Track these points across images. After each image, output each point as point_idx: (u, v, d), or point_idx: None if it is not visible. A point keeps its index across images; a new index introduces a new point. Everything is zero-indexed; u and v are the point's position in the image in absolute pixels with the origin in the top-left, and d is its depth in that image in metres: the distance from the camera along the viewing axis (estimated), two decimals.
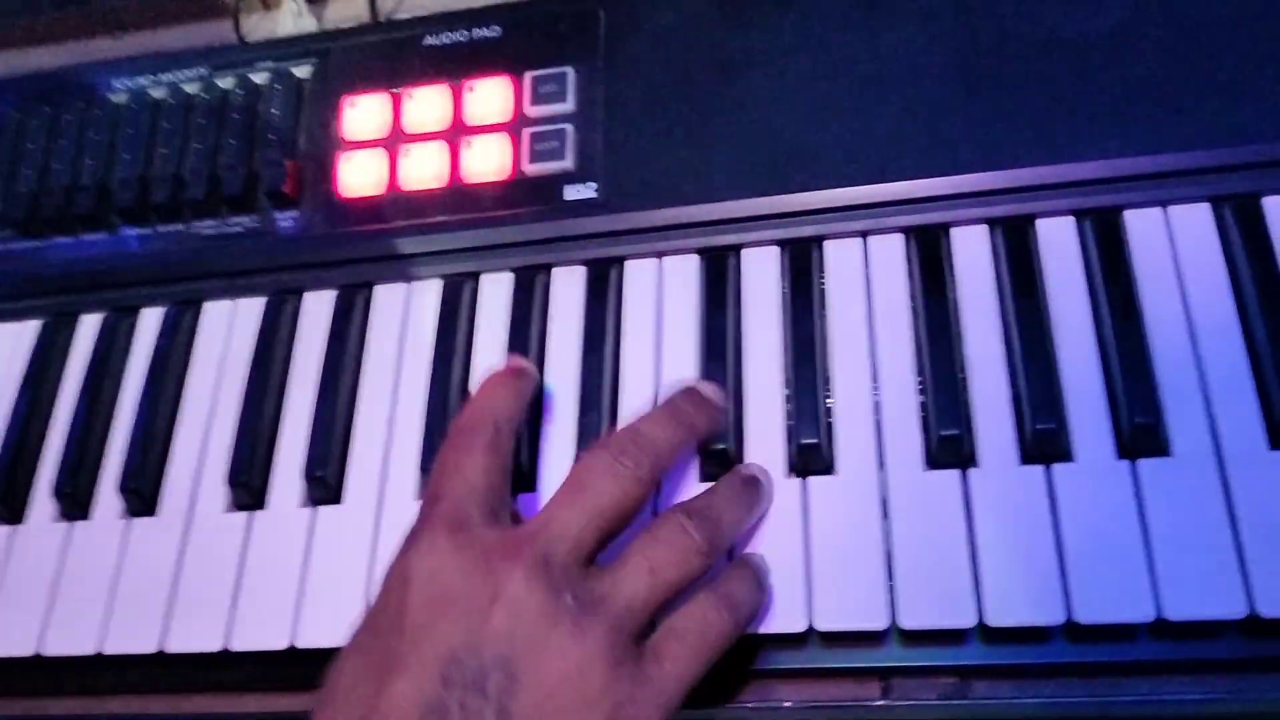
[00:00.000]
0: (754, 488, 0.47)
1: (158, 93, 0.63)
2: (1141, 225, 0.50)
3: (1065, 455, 0.46)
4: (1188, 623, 0.43)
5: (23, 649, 0.52)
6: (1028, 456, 0.47)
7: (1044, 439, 0.46)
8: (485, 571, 0.38)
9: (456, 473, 0.43)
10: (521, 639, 0.37)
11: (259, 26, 0.73)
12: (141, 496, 0.54)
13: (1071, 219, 0.51)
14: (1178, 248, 0.50)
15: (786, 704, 0.48)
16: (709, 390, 0.48)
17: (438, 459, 0.44)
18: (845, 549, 0.46)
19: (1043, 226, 0.51)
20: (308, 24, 0.72)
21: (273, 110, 0.60)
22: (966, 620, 0.44)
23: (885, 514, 0.46)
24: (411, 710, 0.36)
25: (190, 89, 0.62)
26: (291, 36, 0.68)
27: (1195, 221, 0.50)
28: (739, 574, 0.44)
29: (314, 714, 0.39)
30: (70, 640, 0.52)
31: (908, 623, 0.44)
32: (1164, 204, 0.51)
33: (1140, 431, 0.45)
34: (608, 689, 0.37)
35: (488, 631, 0.37)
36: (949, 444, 0.47)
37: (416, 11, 0.69)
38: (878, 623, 0.45)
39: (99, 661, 0.51)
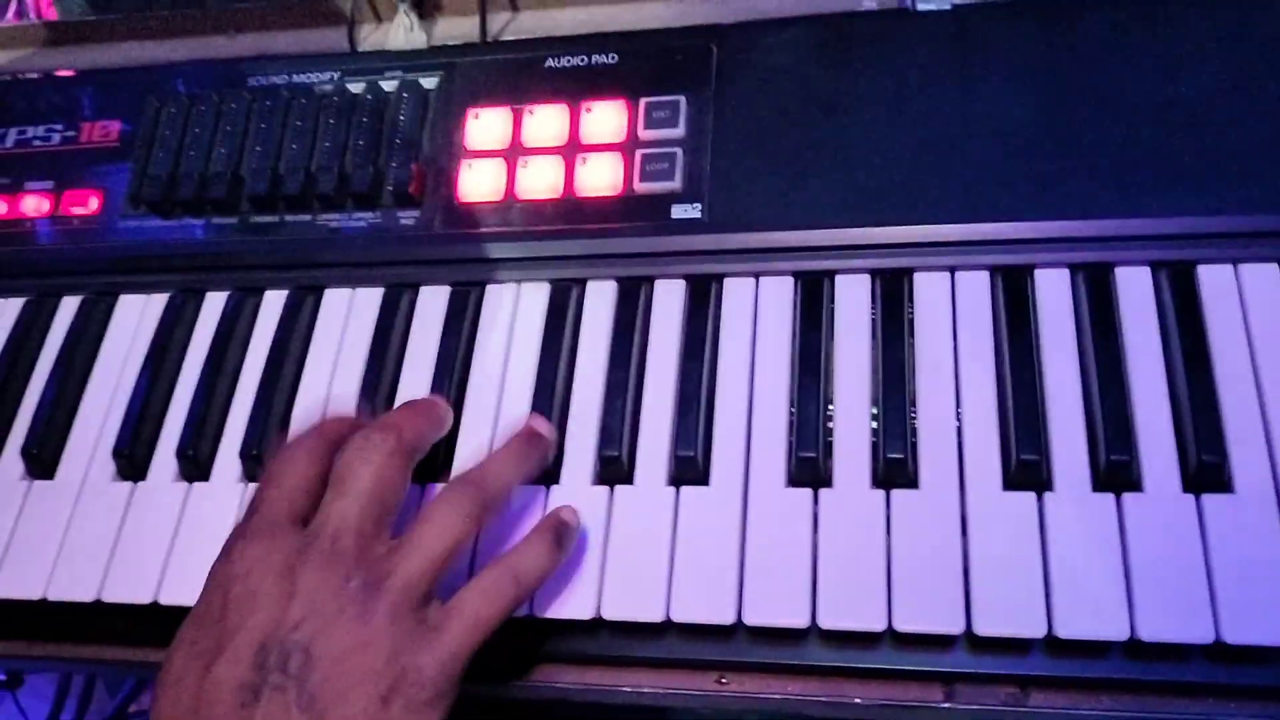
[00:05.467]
0: (533, 443, 0.53)
1: (292, 91, 0.67)
2: (1214, 279, 0.54)
3: (1135, 486, 0.50)
4: (1243, 647, 0.46)
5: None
6: (1099, 485, 0.50)
7: (1116, 470, 0.50)
8: (284, 570, 0.45)
9: (275, 481, 0.49)
10: (315, 624, 0.44)
11: (370, 37, 0.77)
12: (261, 465, 0.58)
13: (1148, 269, 0.55)
14: (1247, 302, 0.53)
15: (856, 700, 0.51)
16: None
17: (266, 467, 0.51)
18: (925, 558, 0.50)
19: (1121, 274, 0.55)
20: (418, 39, 0.76)
21: (400, 116, 0.64)
22: (1037, 630, 0.47)
23: (964, 529, 0.50)
24: (230, 690, 0.43)
25: (323, 90, 0.67)
26: (408, 50, 0.72)
27: (1264, 280, 0.54)
28: (532, 541, 0.50)
29: (154, 698, 0.45)
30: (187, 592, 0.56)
31: (982, 629, 0.48)
32: (1235, 261, 0.54)
33: (1206, 469, 0.49)
34: (391, 660, 0.44)
35: (287, 621, 0.44)
36: (1027, 468, 0.50)
37: (523, 33, 0.74)
38: (953, 627, 0.48)
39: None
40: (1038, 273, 0.56)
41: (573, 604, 0.51)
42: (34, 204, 0.68)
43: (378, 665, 0.44)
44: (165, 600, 0.56)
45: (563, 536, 0.50)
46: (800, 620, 0.49)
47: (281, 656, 0.43)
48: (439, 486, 0.53)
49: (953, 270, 0.57)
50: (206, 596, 0.46)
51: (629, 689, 0.53)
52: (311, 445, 0.50)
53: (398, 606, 0.45)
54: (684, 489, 0.53)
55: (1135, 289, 0.55)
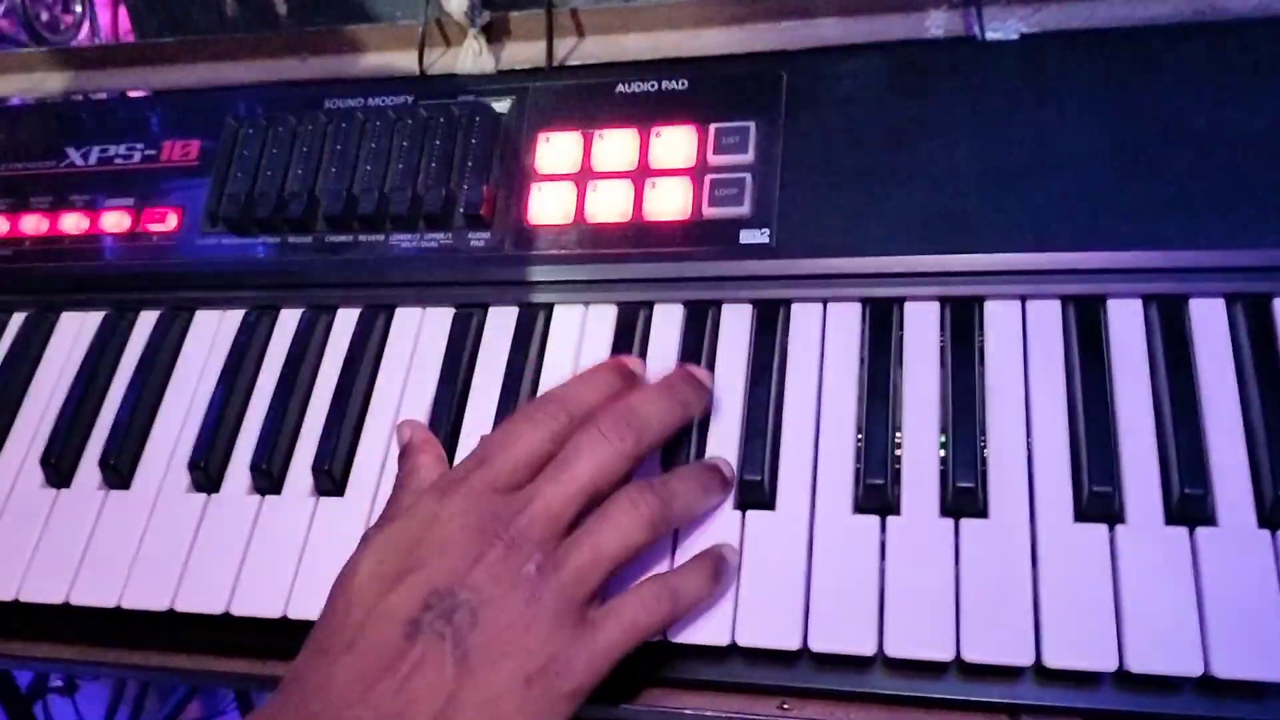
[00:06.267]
0: (715, 477, 0.54)
1: (366, 114, 0.68)
2: None
3: (1208, 520, 0.49)
4: None
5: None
6: (1172, 518, 0.50)
7: (1190, 503, 0.49)
8: (482, 535, 0.48)
9: (506, 446, 0.51)
10: (488, 593, 0.46)
11: (439, 61, 0.79)
12: (333, 479, 0.59)
13: (1223, 301, 0.55)
14: None
15: None
16: (703, 374, 0.56)
17: (501, 429, 0.52)
18: (994, 588, 0.49)
19: (1196, 306, 0.55)
20: (486, 63, 0.78)
21: (473, 139, 0.65)
22: (1108, 664, 0.47)
23: (1034, 559, 0.50)
24: (398, 621, 0.46)
25: (396, 113, 0.68)
26: (479, 74, 0.73)
27: None
28: (693, 567, 0.51)
29: (330, 595, 0.48)
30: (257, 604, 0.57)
31: (1052, 661, 0.47)
32: None
33: None
34: (545, 644, 0.46)
35: (467, 580, 0.46)
36: (1100, 499, 0.50)
37: (588, 59, 0.75)
38: (1023, 658, 0.48)
39: (284, 623, 0.56)
40: (1110, 303, 0.56)
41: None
42: (114, 220, 0.70)
43: (532, 646, 0.46)
44: (236, 611, 0.57)
45: (721, 573, 0.51)
46: (867, 648, 0.49)
47: (450, 607, 0.46)
48: None
49: (1024, 299, 0.57)
50: (408, 524, 0.49)
51: (691, 711, 0.53)
52: (555, 424, 0.51)
53: (564, 598, 0.47)
54: (750, 514, 0.54)
55: (1210, 321, 0.54)
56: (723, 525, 0.53)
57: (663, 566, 0.53)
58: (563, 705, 0.46)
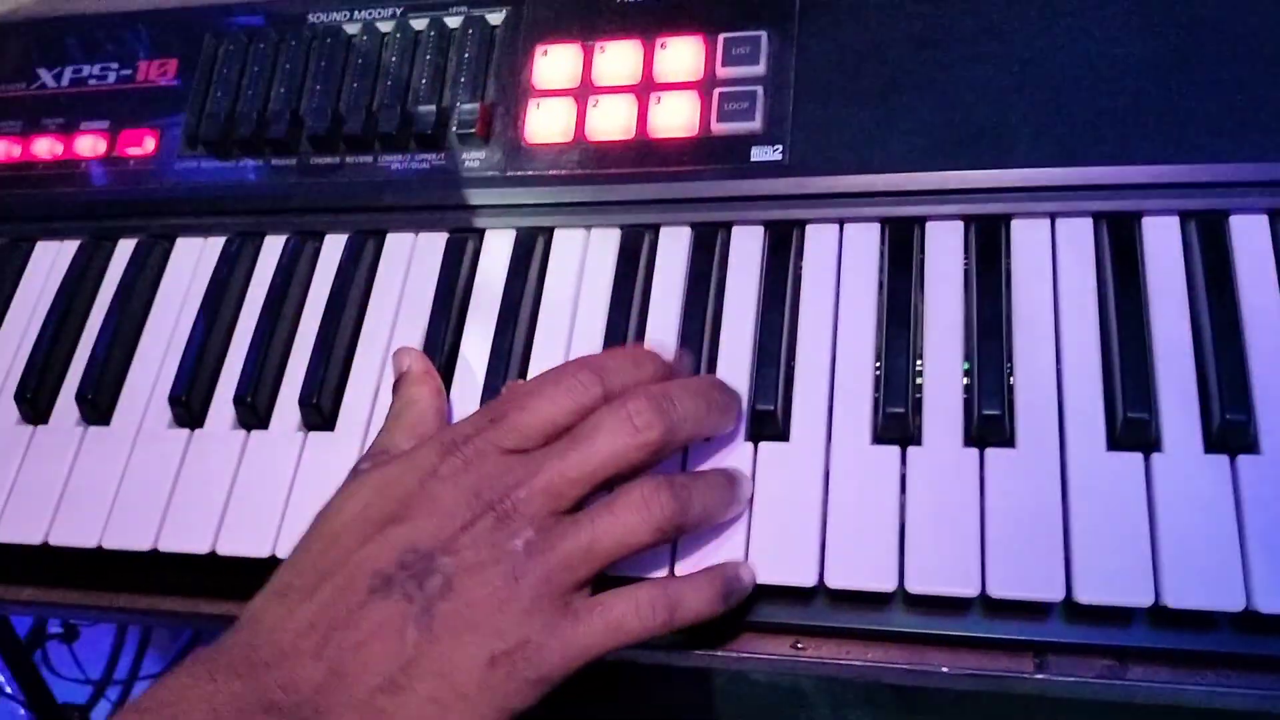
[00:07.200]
0: (736, 487, 0.49)
1: (352, 29, 0.64)
2: None
3: (1251, 447, 0.47)
4: None
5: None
6: (1212, 445, 0.47)
7: (1232, 429, 0.46)
8: (476, 500, 0.44)
9: (528, 408, 0.47)
10: (468, 560, 0.43)
11: None
12: (321, 413, 0.56)
13: (1266, 217, 0.51)
14: None
15: (942, 669, 0.49)
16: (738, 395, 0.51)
17: (526, 385, 0.48)
18: (1021, 520, 0.47)
19: (1236, 222, 0.51)
20: None
21: (465, 54, 0.62)
22: (1143, 599, 0.44)
23: (1064, 491, 0.47)
24: (368, 572, 0.43)
25: (384, 28, 0.64)
26: None
27: None
28: (702, 581, 0.46)
29: (312, 524, 0.47)
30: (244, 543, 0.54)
31: (1084, 597, 0.45)
32: None
33: None
34: (518, 626, 0.43)
35: (450, 546, 0.44)
36: (1135, 426, 0.47)
37: None
38: (1052, 594, 0.45)
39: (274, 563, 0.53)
40: (1145, 220, 0.52)
41: (646, 561, 0.49)
42: (89, 144, 0.66)
43: (503, 626, 0.43)
44: (223, 550, 0.54)
45: (733, 594, 0.47)
46: (886, 584, 0.47)
47: (424, 570, 0.43)
48: None
49: (1053, 217, 0.53)
50: (403, 472, 0.46)
51: (700, 652, 0.51)
52: (585, 397, 0.47)
53: (548, 582, 0.44)
54: (762, 445, 0.51)
55: (1252, 238, 0.51)
56: (734, 456, 0.51)
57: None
58: (526, 690, 0.43)
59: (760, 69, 0.58)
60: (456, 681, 0.42)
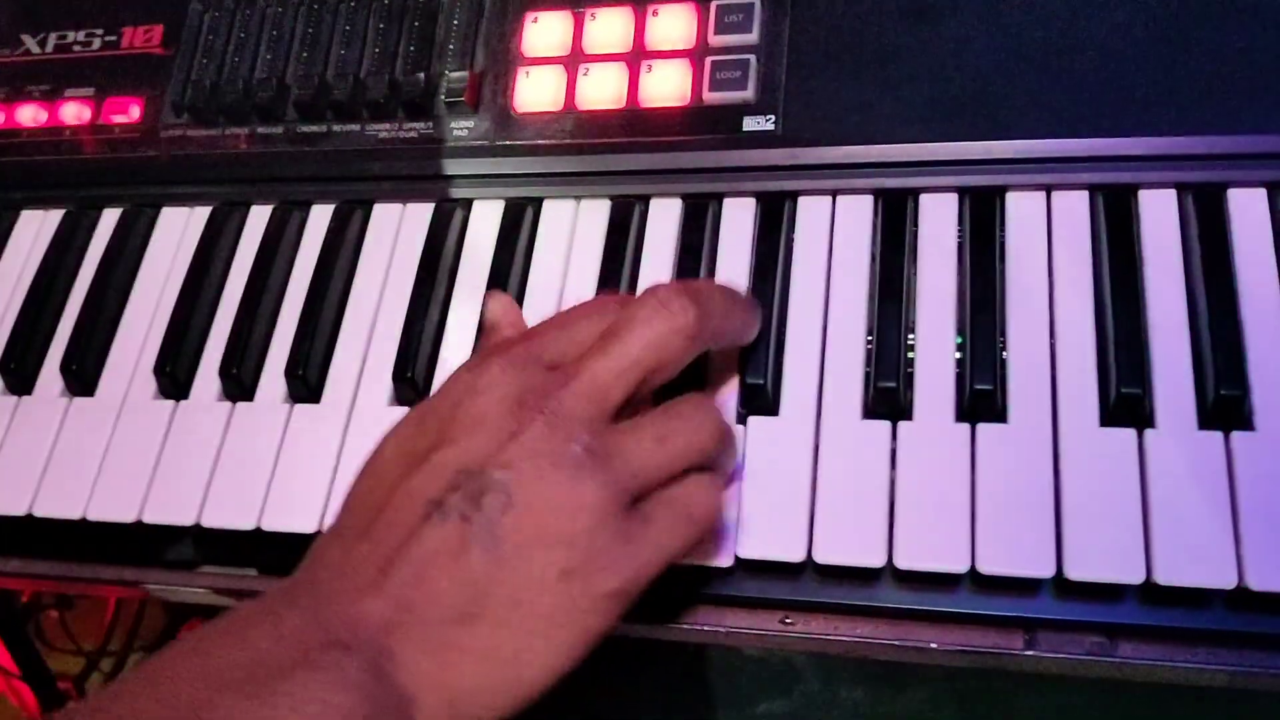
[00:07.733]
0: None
1: None
2: None
3: (1245, 424, 0.46)
4: None
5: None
6: (1206, 421, 0.46)
7: (1227, 405, 0.46)
8: (521, 408, 0.42)
9: (568, 326, 0.46)
10: (526, 471, 0.40)
11: None
12: (307, 385, 0.55)
13: (1264, 191, 0.51)
14: None
15: (931, 645, 0.48)
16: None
17: (569, 311, 0.47)
18: (1012, 496, 0.46)
19: (1235, 196, 0.51)
20: None
21: (454, 21, 0.61)
22: (1135, 576, 0.44)
23: (1056, 466, 0.46)
24: (420, 501, 0.41)
25: None
26: None
27: None
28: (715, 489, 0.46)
29: (356, 478, 0.44)
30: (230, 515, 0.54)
31: (1075, 574, 0.44)
32: None
33: None
34: (589, 535, 0.40)
35: (500, 457, 0.41)
36: (1128, 401, 0.46)
37: None
38: (1042, 570, 0.45)
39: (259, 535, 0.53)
40: (1142, 193, 0.52)
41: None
42: (74, 112, 0.65)
43: (574, 534, 0.40)
44: (208, 523, 0.53)
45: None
46: (875, 559, 0.46)
47: (480, 488, 0.40)
48: None
49: (1048, 189, 0.53)
50: (440, 399, 0.44)
51: (686, 625, 0.51)
52: (615, 316, 0.45)
53: (612, 488, 0.41)
54: (752, 419, 0.50)
55: (1250, 211, 0.50)
56: None
57: None
58: (605, 606, 0.40)
59: (753, 37, 0.57)
60: (532, 604, 0.39)
